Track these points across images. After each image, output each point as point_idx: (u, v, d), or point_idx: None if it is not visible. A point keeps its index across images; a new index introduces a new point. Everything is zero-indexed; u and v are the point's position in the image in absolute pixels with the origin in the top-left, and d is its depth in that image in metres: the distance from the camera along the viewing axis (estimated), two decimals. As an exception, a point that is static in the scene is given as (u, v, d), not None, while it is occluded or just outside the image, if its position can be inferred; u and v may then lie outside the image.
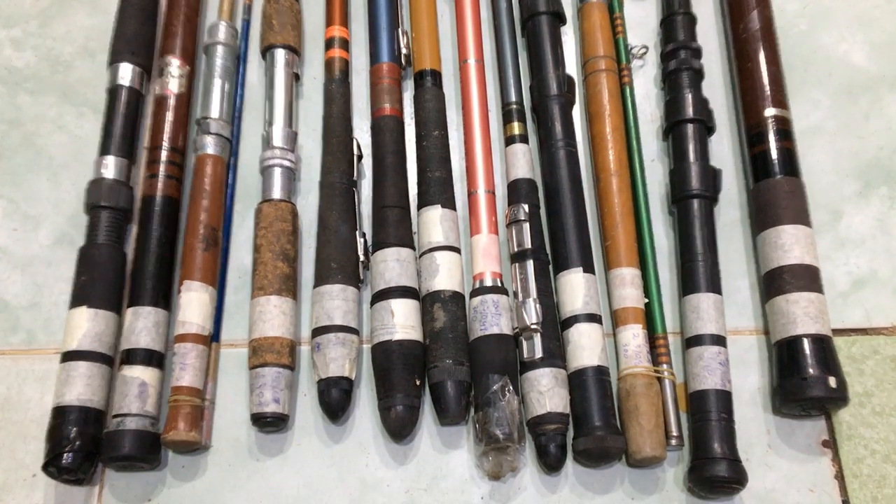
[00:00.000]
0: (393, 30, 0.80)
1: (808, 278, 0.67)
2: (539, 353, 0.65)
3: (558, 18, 0.80)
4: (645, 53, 0.81)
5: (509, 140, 0.75)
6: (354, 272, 0.69)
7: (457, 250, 0.70)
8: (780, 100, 0.74)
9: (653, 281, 0.70)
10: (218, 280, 0.71)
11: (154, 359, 0.66)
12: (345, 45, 0.80)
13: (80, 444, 0.63)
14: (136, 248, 0.70)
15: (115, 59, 0.77)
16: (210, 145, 0.74)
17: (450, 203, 0.72)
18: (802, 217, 0.69)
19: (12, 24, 0.85)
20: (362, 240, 0.71)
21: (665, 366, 0.66)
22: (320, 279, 0.69)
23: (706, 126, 0.75)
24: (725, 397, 0.64)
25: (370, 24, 0.81)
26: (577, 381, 0.65)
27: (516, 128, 0.75)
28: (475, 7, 0.81)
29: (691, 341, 0.67)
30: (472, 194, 0.73)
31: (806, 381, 0.63)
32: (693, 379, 0.66)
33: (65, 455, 0.62)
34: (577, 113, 0.78)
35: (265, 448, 0.67)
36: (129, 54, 0.77)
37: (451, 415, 0.65)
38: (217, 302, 0.70)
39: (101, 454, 0.64)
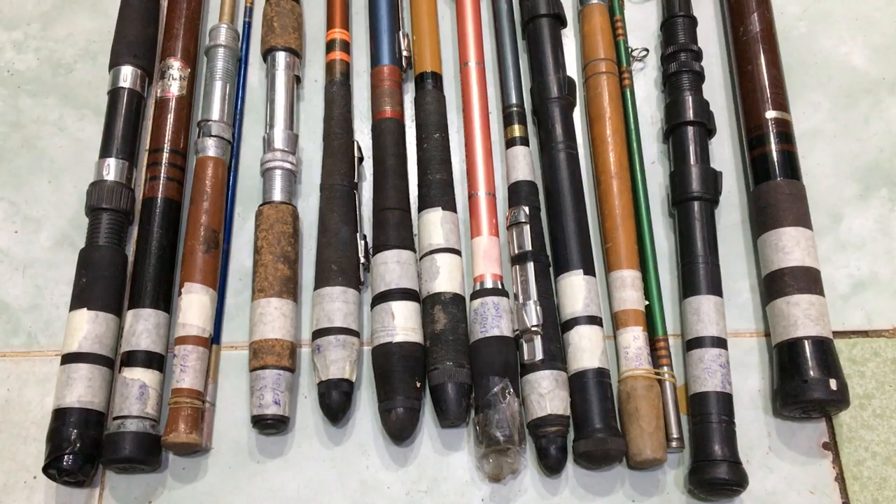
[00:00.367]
0: (394, 32, 0.80)
1: (808, 280, 0.67)
2: (539, 356, 0.65)
3: (559, 21, 0.80)
4: (645, 56, 0.81)
5: (510, 142, 0.75)
6: (355, 274, 0.69)
7: (457, 252, 0.70)
8: (780, 102, 0.74)
9: (653, 283, 0.70)
10: (218, 282, 0.71)
11: (154, 361, 0.66)
12: (346, 47, 0.80)
13: (81, 446, 0.63)
14: (137, 250, 0.70)
15: (116, 62, 0.77)
16: (211, 147, 0.74)
17: (450, 205, 0.72)
18: (803, 219, 0.69)
19: (14, 27, 0.85)
20: (363, 242, 0.71)
21: (665, 368, 0.66)
22: (321, 281, 0.69)
23: (707, 128, 0.75)
24: (726, 399, 0.64)
25: (371, 27, 0.81)
26: (577, 384, 0.65)
27: (517, 130, 0.75)
28: (476, 9, 0.81)
29: (692, 343, 0.67)
30: (472, 196, 0.73)
31: (807, 384, 0.63)
32: (693, 381, 0.66)
33: (65, 457, 0.62)
34: (577, 115, 0.78)
35: (266, 450, 0.67)
36: (130, 57, 0.77)
37: (451, 417, 0.65)
38: (217, 304, 0.70)
39: (102, 456, 0.63)
